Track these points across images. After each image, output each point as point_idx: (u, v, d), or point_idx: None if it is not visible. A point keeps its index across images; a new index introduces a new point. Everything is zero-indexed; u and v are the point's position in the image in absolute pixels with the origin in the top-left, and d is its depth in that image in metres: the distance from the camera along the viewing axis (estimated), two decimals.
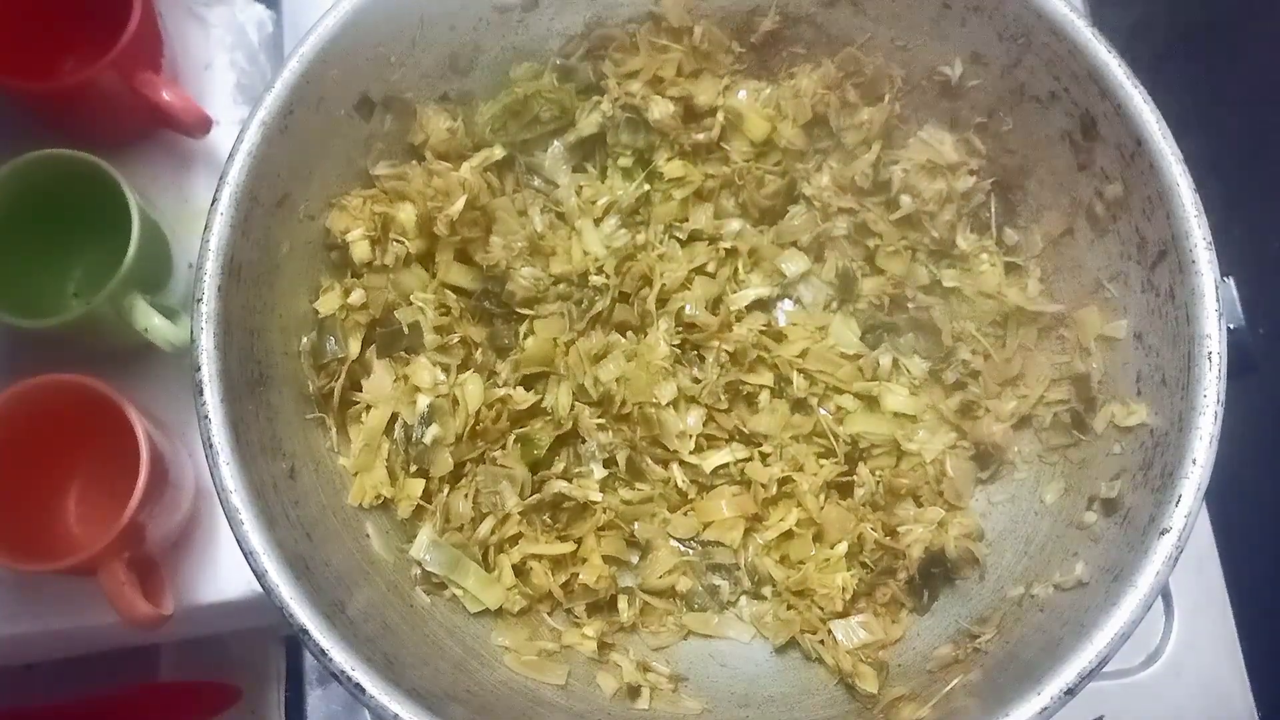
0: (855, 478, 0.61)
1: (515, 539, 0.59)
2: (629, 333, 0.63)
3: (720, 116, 0.65)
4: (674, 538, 0.62)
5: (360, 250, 0.60)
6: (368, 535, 0.57)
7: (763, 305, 0.65)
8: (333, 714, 0.73)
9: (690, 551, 0.62)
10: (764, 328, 0.63)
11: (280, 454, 0.54)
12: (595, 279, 0.63)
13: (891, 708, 0.55)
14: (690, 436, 0.62)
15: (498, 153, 0.63)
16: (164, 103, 0.67)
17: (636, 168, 0.66)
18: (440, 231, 0.61)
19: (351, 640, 0.47)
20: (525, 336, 0.63)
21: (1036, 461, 0.61)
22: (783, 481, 0.61)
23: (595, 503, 0.60)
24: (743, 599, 0.61)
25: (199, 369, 0.51)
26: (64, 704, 0.69)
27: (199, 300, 0.52)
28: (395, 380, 0.60)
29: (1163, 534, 0.48)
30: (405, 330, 0.61)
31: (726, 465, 0.62)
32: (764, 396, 0.63)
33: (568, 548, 0.59)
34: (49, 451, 0.63)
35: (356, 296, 0.60)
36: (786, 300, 0.65)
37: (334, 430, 0.58)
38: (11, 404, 0.60)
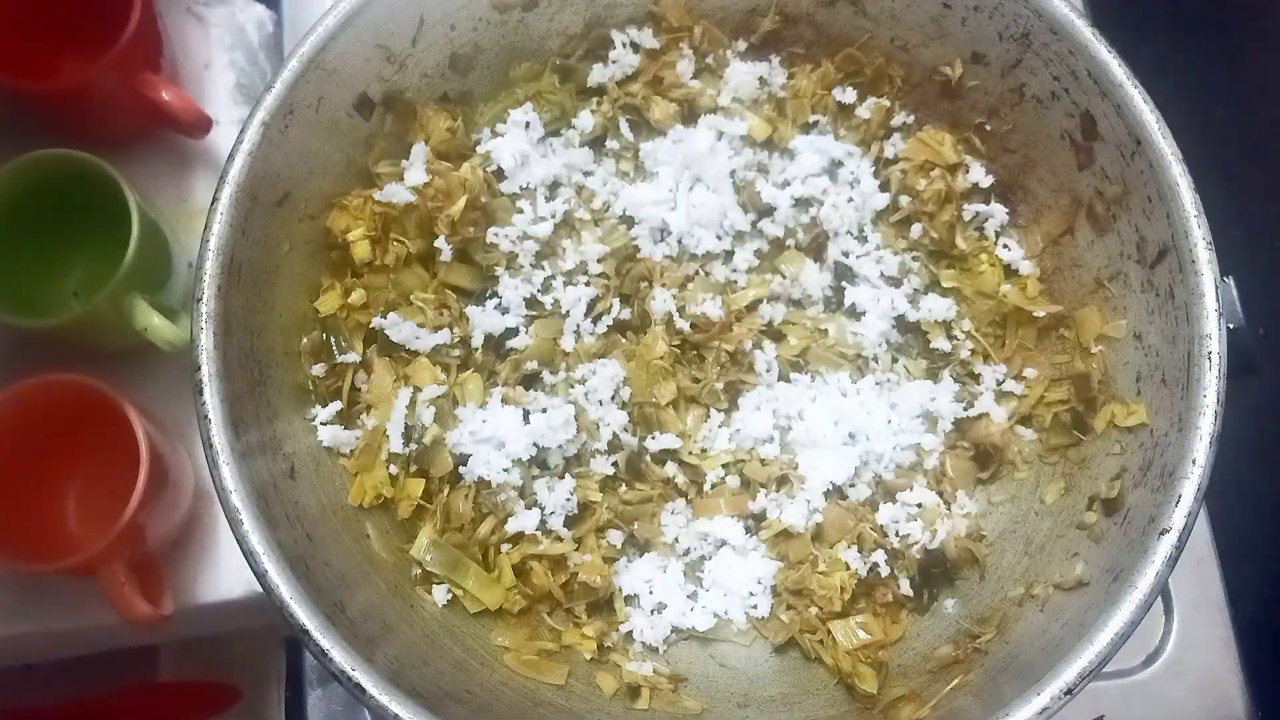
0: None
1: (516, 538, 0.59)
2: (629, 333, 0.63)
3: (720, 117, 0.65)
4: None
5: (361, 250, 0.60)
6: (368, 535, 0.57)
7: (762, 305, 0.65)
8: (333, 714, 0.73)
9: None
10: (764, 328, 0.63)
11: (280, 454, 0.54)
12: (595, 279, 0.63)
13: (891, 708, 0.55)
14: (690, 436, 0.62)
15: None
16: (164, 103, 0.67)
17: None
18: (440, 231, 0.61)
19: (351, 640, 0.47)
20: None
21: (1036, 461, 0.61)
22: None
23: (595, 503, 0.60)
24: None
25: (199, 369, 0.51)
26: (64, 704, 0.69)
27: (199, 300, 0.52)
28: (395, 380, 0.60)
29: (1163, 534, 0.48)
30: None
31: (726, 464, 0.62)
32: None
33: (568, 547, 0.59)
34: (49, 451, 0.63)
35: (357, 296, 0.60)
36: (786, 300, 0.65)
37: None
38: (11, 404, 0.60)
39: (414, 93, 0.62)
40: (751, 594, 0.60)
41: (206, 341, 0.51)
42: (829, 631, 0.58)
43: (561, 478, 0.60)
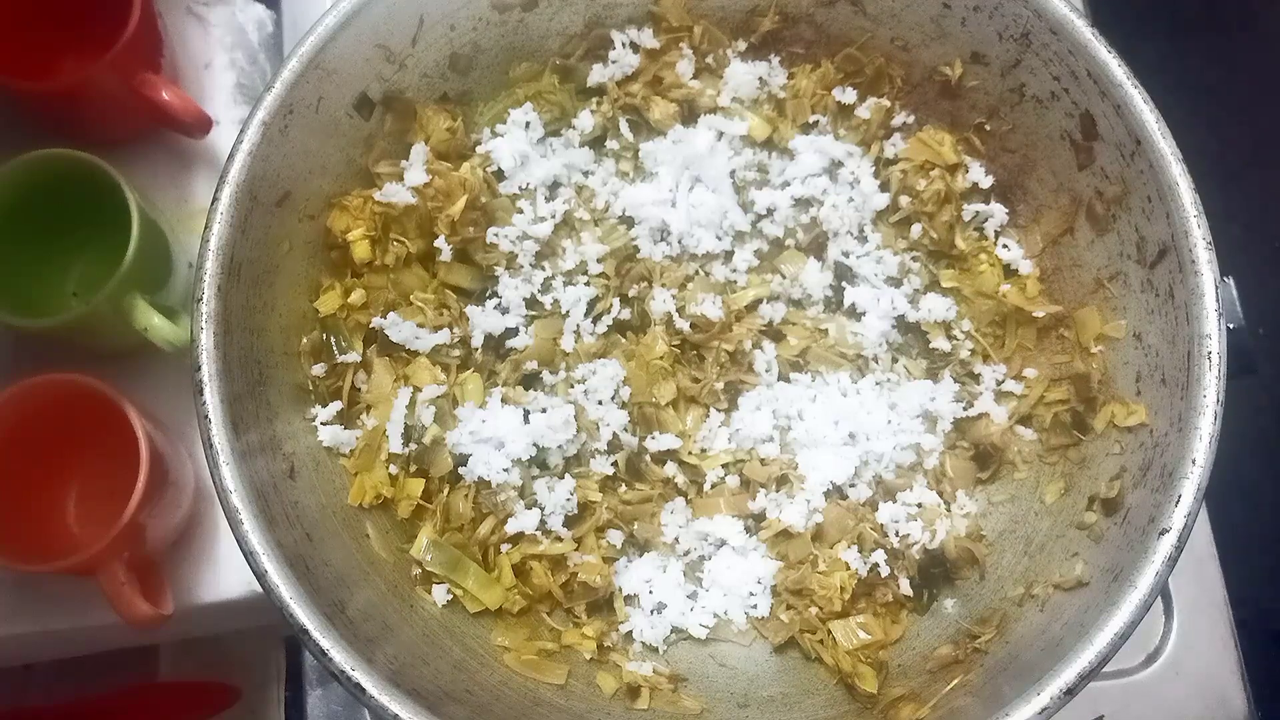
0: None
1: (516, 538, 0.59)
2: (629, 333, 0.63)
3: (720, 117, 0.65)
4: None
5: (360, 250, 0.60)
6: (368, 535, 0.57)
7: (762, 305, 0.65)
8: (333, 714, 0.73)
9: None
10: (764, 328, 0.63)
11: (280, 454, 0.54)
12: (595, 279, 0.63)
13: (891, 708, 0.55)
14: (690, 436, 0.62)
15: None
16: (163, 102, 0.67)
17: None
18: (440, 231, 0.61)
19: (351, 640, 0.47)
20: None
21: (1036, 461, 0.61)
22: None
23: (595, 503, 0.60)
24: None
25: (199, 369, 0.51)
26: (64, 704, 0.69)
27: (199, 300, 0.52)
28: (395, 380, 0.60)
29: (1163, 534, 0.48)
30: None
31: (726, 464, 0.62)
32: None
33: (568, 547, 0.59)
34: (49, 451, 0.63)
35: (357, 296, 0.60)
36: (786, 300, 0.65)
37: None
38: (11, 404, 0.60)
39: (414, 93, 0.62)
40: (751, 594, 0.60)
41: (206, 341, 0.51)
42: (829, 631, 0.58)
43: (561, 478, 0.60)
